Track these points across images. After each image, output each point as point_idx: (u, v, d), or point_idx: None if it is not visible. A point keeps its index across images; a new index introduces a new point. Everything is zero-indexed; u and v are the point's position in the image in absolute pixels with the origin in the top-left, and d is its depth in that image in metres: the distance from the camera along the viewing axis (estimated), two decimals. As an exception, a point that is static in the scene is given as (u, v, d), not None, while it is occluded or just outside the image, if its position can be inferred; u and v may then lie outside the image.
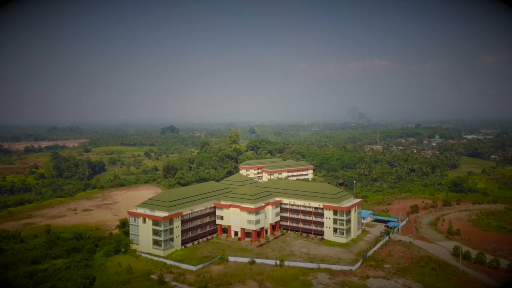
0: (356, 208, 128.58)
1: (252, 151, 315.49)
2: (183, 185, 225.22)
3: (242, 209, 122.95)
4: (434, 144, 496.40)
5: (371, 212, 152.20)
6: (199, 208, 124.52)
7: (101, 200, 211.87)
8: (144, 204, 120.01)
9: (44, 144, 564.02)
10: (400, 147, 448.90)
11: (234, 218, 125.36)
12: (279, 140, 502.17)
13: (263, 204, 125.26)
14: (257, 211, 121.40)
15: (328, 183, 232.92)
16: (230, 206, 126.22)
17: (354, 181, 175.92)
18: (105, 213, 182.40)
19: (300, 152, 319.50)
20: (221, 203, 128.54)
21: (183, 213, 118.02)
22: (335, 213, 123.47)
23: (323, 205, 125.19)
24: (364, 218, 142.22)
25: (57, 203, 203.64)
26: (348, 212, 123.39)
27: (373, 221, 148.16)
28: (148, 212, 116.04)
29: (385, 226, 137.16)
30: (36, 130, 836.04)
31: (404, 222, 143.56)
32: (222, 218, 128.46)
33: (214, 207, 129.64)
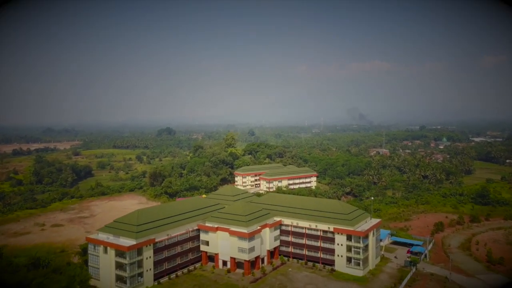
0: (375, 231, 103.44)
1: (250, 156, 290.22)
2: (170, 194, 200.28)
3: (232, 233, 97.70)
4: (441, 147, 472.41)
5: (389, 232, 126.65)
6: (179, 231, 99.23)
7: (76, 212, 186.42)
8: (107, 228, 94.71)
9: (34, 146, 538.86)
10: (408, 151, 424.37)
11: (223, 244, 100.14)
12: (279, 143, 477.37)
13: (258, 227, 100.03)
14: (251, 236, 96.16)
15: (334, 192, 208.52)
16: (217, 229, 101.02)
17: (372, 197, 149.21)
18: (77, 229, 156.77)
19: (302, 156, 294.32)
20: (206, 225, 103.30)
21: (157, 240, 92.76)
22: (349, 238, 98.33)
23: (334, 228, 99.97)
24: (381, 240, 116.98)
25: (25, 216, 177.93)
26: (366, 237, 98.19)
27: (391, 243, 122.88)
28: (111, 238, 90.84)
29: (408, 252, 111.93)
30: (30, 132, 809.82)
31: (431, 245, 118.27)
32: (207, 243, 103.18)
33: (198, 230, 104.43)
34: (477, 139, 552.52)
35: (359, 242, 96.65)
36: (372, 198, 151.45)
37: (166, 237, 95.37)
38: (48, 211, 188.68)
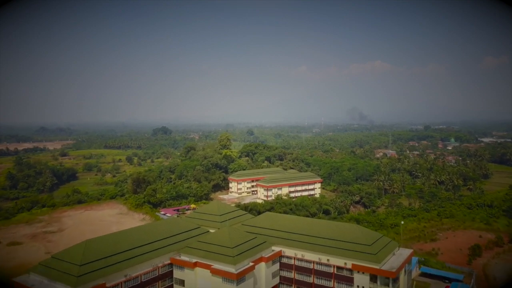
0: (406, 267, 77.71)
1: (247, 158, 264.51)
2: (154, 204, 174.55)
3: (215, 272, 71.91)
4: (450, 148, 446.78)
5: (417, 259, 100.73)
6: (143, 269, 73.17)
7: (43, 225, 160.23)
8: (42, 268, 68.64)
9: (24, 146, 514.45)
10: (415, 152, 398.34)
11: (203, 285, 74.33)
12: (279, 143, 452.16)
13: (251, 263, 74.21)
14: (240, 277, 70.41)
15: (341, 201, 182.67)
16: (195, 264, 75.24)
17: (402, 222, 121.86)
18: (37, 249, 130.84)
19: (304, 159, 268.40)
20: (182, 258, 77.48)
21: (109, 285, 66.74)
22: (373, 278, 72.56)
23: (353, 265, 74.10)
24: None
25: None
26: (396, 278, 72.45)
27: (421, 274, 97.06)
28: (45, 283, 65.04)
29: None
30: (23, 131, 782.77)
31: (474, 279, 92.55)
32: (183, 283, 77.29)
33: (171, 265, 78.59)
34: (485, 140, 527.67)
35: (388, 285, 70.97)
36: (402, 222, 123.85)
37: (124, 279, 69.32)
38: (11, 224, 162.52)
